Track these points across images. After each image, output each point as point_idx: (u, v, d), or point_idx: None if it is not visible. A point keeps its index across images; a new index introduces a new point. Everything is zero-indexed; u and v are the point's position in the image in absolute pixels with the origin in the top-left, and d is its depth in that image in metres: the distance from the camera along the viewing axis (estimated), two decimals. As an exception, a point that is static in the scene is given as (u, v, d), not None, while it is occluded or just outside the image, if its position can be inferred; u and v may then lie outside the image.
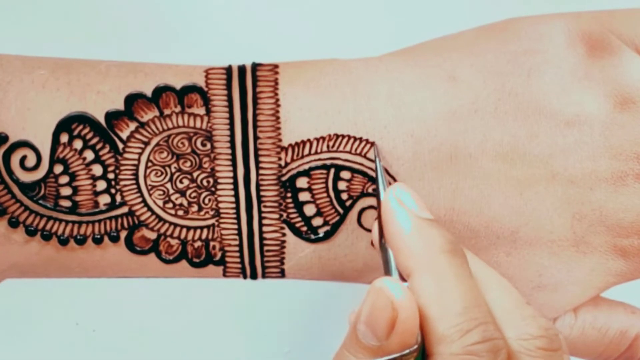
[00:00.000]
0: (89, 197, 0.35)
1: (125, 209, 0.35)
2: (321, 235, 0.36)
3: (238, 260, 0.36)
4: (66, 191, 0.35)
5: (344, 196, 0.36)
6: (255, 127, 0.35)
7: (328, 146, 0.35)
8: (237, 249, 0.36)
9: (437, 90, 0.36)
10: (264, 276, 0.37)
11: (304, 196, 0.36)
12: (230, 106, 0.35)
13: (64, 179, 0.35)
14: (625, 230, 0.36)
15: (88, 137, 0.35)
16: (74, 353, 0.62)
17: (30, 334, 0.61)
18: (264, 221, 0.36)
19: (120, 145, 0.35)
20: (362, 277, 0.37)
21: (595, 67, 0.36)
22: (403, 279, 0.32)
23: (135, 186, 0.35)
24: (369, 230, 0.36)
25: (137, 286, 0.53)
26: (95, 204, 0.35)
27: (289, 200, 0.36)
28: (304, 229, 0.36)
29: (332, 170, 0.36)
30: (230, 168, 0.35)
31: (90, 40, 0.56)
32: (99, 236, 0.36)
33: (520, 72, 0.36)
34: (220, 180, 0.36)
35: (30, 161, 0.35)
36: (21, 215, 0.35)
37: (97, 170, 0.35)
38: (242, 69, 0.36)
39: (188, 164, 0.35)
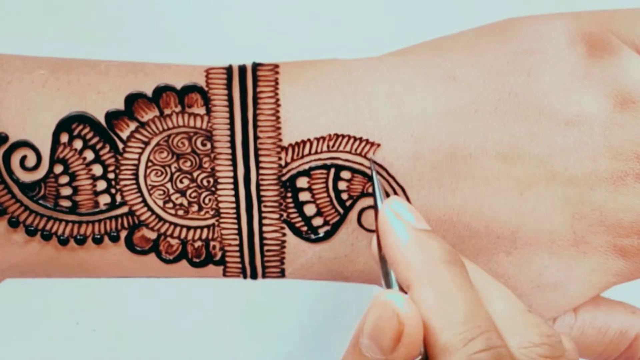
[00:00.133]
0: (89, 197, 0.35)
1: (125, 209, 0.35)
2: (321, 235, 0.36)
3: (238, 260, 0.36)
4: (66, 191, 0.35)
5: (344, 196, 0.36)
6: (255, 126, 0.35)
7: (328, 146, 0.35)
8: (237, 248, 0.36)
9: (437, 90, 0.36)
10: (264, 276, 0.37)
11: (304, 196, 0.36)
12: (231, 106, 0.35)
13: (64, 179, 0.35)
14: (625, 230, 0.36)
15: (88, 137, 0.35)
16: (74, 353, 0.62)
17: (30, 334, 0.61)
18: (264, 221, 0.36)
19: (121, 145, 0.35)
20: (362, 277, 0.37)
21: (595, 67, 0.36)
22: (403, 291, 0.32)
23: (135, 186, 0.35)
24: (369, 230, 0.36)
25: (137, 286, 0.53)
26: (96, 204, 0.35)
27: (289, 200, 0.36)
28: (304, 228, 0.36)
29: (332, 170, 0.36)
30: (231, 168, 0.35)
31: (90, 40, 0.56)
32: (99, 236, 0.36)
33: (520, 72, 0.36)
34: (220, 180, 0.36)
35: (30, 161, 0.35)
36: (21, 215, 0.35)
37: (97, 170, 0.35)
38: (242, 69, 0.36)
39: (188, 163, 0.35)
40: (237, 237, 0.36)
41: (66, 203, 0.35)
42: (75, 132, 0.35)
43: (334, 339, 0.61)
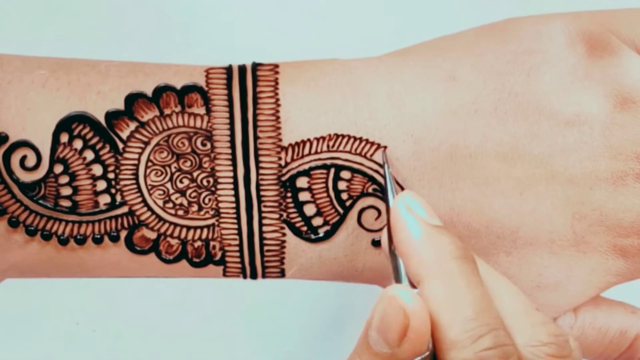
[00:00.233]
0: (89, 197, 0.35)
1: (125, 209, 0.35)
2: (321, 235, 0.36)
3: (238, 260, 0.36)
4: (66, 191, 0.35)
5: (344, 196, 0.36)
6: (255, 126, 0.35)
7: (328, 146, 0.35)
8: (237, 248, 0.36)
9: (437, 90, 0.36)
10: (264, 276, 0.37)
11: (304, 196, 0.36)
12: (231, 106, 0.35)
13: (64, 179, 0.35)
14: (625, 230, 0.36)
15: (88, 137, 0.35)
16: (74, 353, 0.62)
17: (30, 334, 0.61)
18: (264, 221, 0.36)
19: (121, 145, 0.35)
20: (362, 277, 0.37)
21: (595, 67, 0.36)
22: (413, 285, 0.32)
23: (135, 186, 0.35)
24: (369, 230, 0.36)
25: (137, 286, 0.53)
26: (96, 204, 0.35)
27: (289, 200, 0.36)
28: (304, 228, 0.36)
29: (332, 170, 0.36)
30: (231, 168, 0.35)
31: (90, 40, 0.55)
32: (99, 236, 0.36)
33: (520, 72, 0.36)
34: (220, 180, 0.36)
35: (30, 161, 0.35)
36: (21, 215, 0.35)
37: (97, 170, 0.35)
38: (242, 69, 0.36)
39: (188, 163, 0.35)
40: (237, 237, 0.36)
41: (66, 203, 0.35)
42: (75, 132, 0.35)
43: (334, 339, 0.61)
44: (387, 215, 0.34)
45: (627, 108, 0.36)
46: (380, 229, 0.36)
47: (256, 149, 0.35)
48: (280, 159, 0.35)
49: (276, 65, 0.36)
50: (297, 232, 0.36)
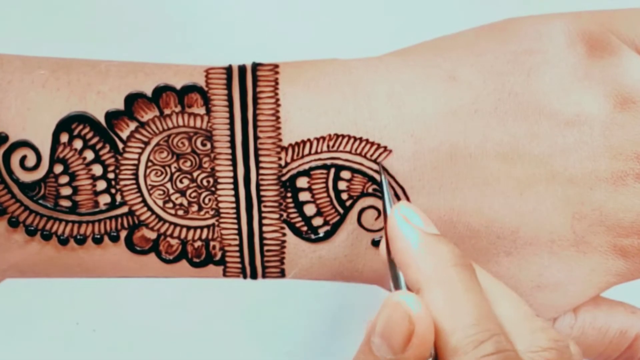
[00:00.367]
0: (89, 197, 0.35)
1: (125, 209, 0.35)
2: (321, 235, 0.36)
3: (238, 260, 0.36)
4: (66, 191, 0.35)
5: (344, 196, 0.36)
6: (255, 127, 0.35)
7: (328, 146, 0.35)
8: (237, 248, 0.36)
9: (437, 90, 0.36)
10: (264, 276, 0.37)
11: (304, 196, 0.36)
12: (231, 106, 0.35)
13: (64, 179, 0.35)
14: (625, 230, 0.36)
15: (88, 137, 0.35)
16: (74, 353, 0.62)
17: (30, 334, 0.61)
18: (264, 221, 0.36)
19: (120, 145, 0.35)
20: (362, 277, 0.37)
21: (595, 67, 0.36)
22: None
23: (135, 186, 0.35)
24: (369, 230, 0.36)
25: (137, 286, 0.53)
26: (95, 204, 0.35)
27: (289, 200, 0.36)
28: (304, 228, 0.36)
29: (332, 170, 0.36)
30: (231, 168, 0.35)
31: (90, 40, 0.55)
32: (99, 236, 0.36)
33: (520, 72, 0.36)
34: (220, 180, 0.36)
35: (30, 161, 0.35)
36: (21, 215, 0.35)
37: (97, 170, 0.35)
38: (242, 69, 0.36)
39: (188, 163, 0.35)
40: (237, 237, 0.36)
41: (66, 203, 0.35)
42: (75, 132, 0.35)
43: (334, 339, 0.61)
44: (384, 225, 0.34)
45: (627, 108, 0.36)
46: (380, 229, 0.36)
47: (256, 149, 0.35)
48: (280, 159, 0.35)
49: (276, 66, 0.36)
50: (297, 232, 0.36)
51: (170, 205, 0.36)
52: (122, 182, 0.35)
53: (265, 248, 0.36)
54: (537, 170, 0.35)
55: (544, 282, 0.37)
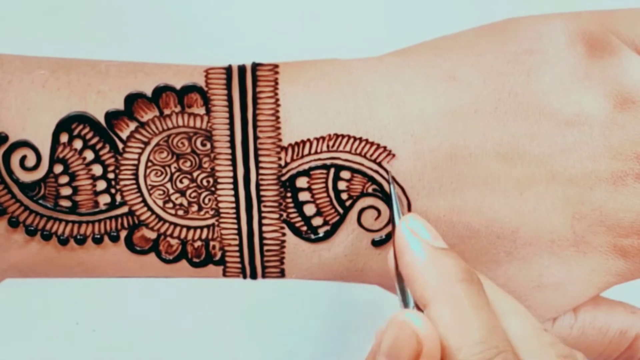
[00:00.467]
0: (89, 197, 0.35)
1: (125, 209, 0.35)
2: (321, 235, 0.36)
3: (238, 260, 0.36)
4: (66, 191, 0.35)
5: (344, 196, 0.36)
6: (255, 127, 0.35)
7: (328, 146, 0.35)
8: (237, 248, 0.36)
9: (437, 90, 0.36)
10: (263, 276, 0.37)
11: (303, 196, 0.36)
12: (230, 106, 0.35)
13: (64, 179, 0.35)
14: (625, 230, 0.36)
15: (88, 137, 0.35)
16: (74, 353, 0.62)
17: (30, 334, 0.61)
18: (264, 221, 0.36)
19: (120, 145, 0.35)
20: (362, 277, 0.37)
21: (595, 67, 0.36)
22: (419, 309, 0.32)
23: (135, 186, 0.35)
24: (369, 230, 0.36)
25: (137, 286, 0.53)
26: (95, 204, 0.35)
27: (289, 200, 0.36)
28: (304, 228, 0.36)
29: (332, 170, 0.36)
30: (230, 168, 0.35)
31: (90, 40, 0.55)
32: (99, 236, 0.36)
33: (520, 72, 0.36)
34: (220, 180, 0.36)
35: (30, 161, 0.35)
36: (21, 215, 0.35)
37: (97, 170, 0.35)
38: (242, 69, 0.36)
39: (188, 163, 0.35)
40: (236, 237, 0.36)
41: (66, 203, 0.35)
42: (75, 132, 0.35)
43: (334, 339, 0.61)
44: (392, 237, 0.34)
45: (627, 108, 0.36)
46: (381, 229, 0.36)
47: (256, 149, 0.35)
48: (280, 159, 0.35)
49: (276, 66, 0.36)
50: (297, 232, 0.36)
51: (170, 205, 0.36)
52: (122, 182, 0.35)
53: (265, 248, 0.36)
54: (537, 170, 0.35)
55: (544, 282, 0.37)
